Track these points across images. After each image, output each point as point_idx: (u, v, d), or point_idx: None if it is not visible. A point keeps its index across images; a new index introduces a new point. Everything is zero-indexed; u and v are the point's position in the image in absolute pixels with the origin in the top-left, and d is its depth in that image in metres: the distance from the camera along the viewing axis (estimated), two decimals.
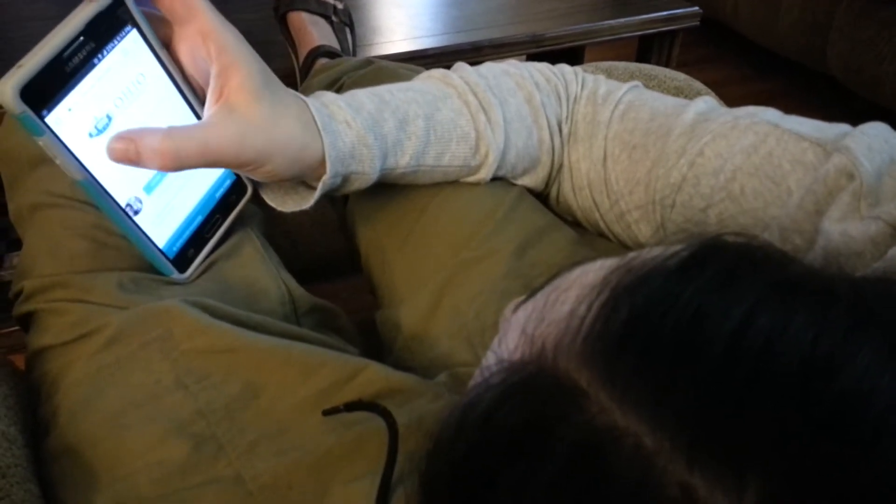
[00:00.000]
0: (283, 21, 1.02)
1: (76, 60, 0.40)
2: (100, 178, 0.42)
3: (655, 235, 0.50)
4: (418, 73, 0.72)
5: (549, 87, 0.54)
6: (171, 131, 0.40)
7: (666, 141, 0.48)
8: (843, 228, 0.36)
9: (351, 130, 0.45)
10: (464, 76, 0.52)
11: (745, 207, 0.43)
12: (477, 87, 0.51)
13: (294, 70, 1.00)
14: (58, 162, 0.40)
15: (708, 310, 0.20)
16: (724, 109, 0.48)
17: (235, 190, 0.53)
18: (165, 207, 0.48)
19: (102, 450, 0.40)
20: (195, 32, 0.43)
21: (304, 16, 0.98)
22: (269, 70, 0.44)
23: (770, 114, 0.46)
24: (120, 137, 0.39)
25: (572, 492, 0.19)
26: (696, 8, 1.28)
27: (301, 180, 0.48)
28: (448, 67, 0.55)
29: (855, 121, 0.44)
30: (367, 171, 0.47)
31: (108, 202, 0.44)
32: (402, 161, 0.49)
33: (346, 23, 1.04)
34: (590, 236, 0.57)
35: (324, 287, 0.62)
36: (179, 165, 0.40)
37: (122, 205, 0.44)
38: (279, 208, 0.48)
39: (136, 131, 0.40)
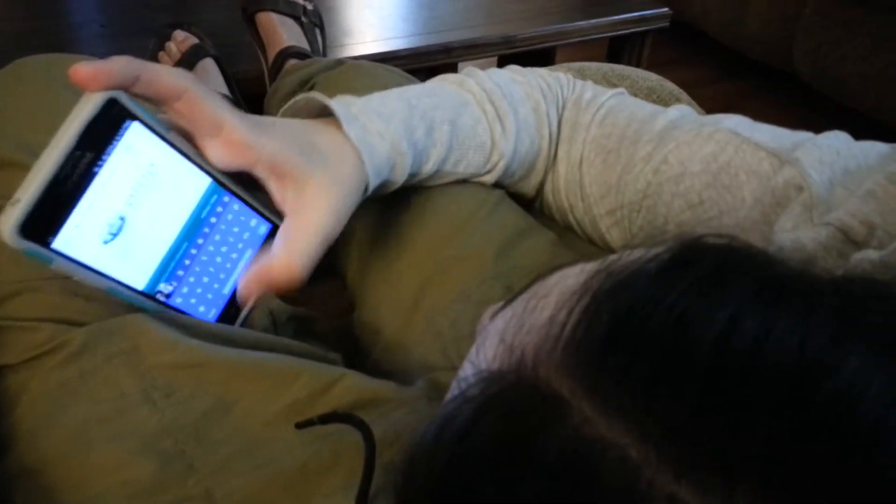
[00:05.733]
0: (251, 21, 1.00)
1: (75, 178, 0.36)
2: (123, 279, 0.40)
3: (627, 243, 0.50)
4: (395, 72, 0.71)
5: (551, 95, 0.54)
6: (281, 255, 0.42)
7: (636, 147, 0.48)
8: (796, 237, 0.37)
9: (384, 141, 0.45)
10: (479, 83, 0.52)
11: (702, 218, 0.44)
12: (493, 95, 0.51)
13: (263, 72, 0.99)
14: (76, 279, 0.38)
15: (692, 314, 0.20)
16: (695, 117, 0.49)
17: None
18: (200, 285, 0.45)
19: (65, 469, 0.38)
20: (224, 144, 0.40)
21: (273, 16, 0.97)
22: (296, 133, 0.43)
23: (734, 121, 0.46)
24: (246, 284, 0.44)
25: None
26: (666, 9, 1.29)
27: None
28: (420, 69, 0.55)
29: (820, 120, 0.45)
30: (398, 178, 0.48)
31: (140, 300, 0.41)
32: (426, 167, 0.49)
33: (316, 24, 1.03)
34: (570, 238, 0.57)
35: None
36: (306, 274, 0.42)
37: (153, 293, 0.42)
38: None
39: (254, 273, 0.43)
